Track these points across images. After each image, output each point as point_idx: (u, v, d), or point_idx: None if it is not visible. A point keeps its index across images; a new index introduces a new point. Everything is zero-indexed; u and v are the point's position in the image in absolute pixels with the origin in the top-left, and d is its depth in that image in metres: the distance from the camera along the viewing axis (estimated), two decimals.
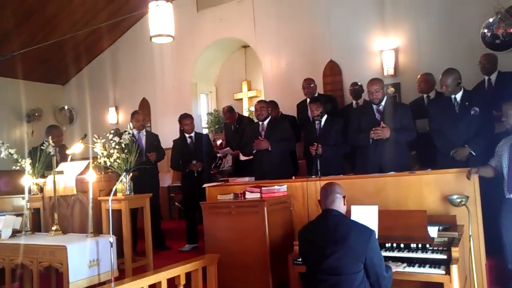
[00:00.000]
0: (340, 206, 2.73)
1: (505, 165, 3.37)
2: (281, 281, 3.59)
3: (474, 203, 3.40)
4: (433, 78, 5.28)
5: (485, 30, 5.98)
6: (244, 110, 9.03)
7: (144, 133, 5.85)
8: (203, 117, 9.36)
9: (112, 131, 4.38)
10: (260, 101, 5.37)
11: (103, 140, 4.29)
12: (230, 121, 7.09)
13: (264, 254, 3.67)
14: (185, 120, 5.85)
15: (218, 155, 6.96)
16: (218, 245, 3.90)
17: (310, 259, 2.72)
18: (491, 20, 5.88)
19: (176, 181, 8.12)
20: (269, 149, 4.94)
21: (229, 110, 7.06)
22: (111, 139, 4.22)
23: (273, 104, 6.06)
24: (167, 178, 8.16)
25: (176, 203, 7.50)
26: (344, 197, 2.76)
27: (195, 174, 5.62)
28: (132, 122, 5.68)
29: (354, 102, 6.09)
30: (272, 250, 3.68)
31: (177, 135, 6.34)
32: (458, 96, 4.11)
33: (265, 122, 5.13)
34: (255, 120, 5.58)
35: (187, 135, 5.84)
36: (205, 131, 9.00)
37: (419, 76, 5.44)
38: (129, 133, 4.32)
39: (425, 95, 5.34)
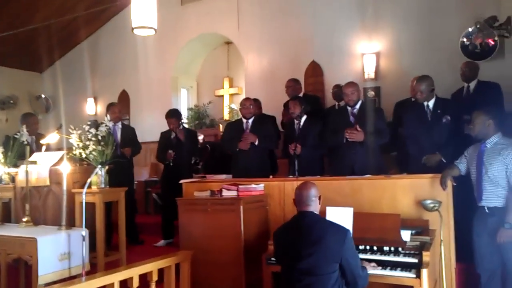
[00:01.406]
0: (315, 206, 2.74)
1: (474, 174, 3.43)
2: (254, 280, 3.58)
3: (447, 208, 3.46)
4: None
5: (464, 39, 6.09)
6: (225, 106, 8.99)
7: (120, 126, 5.73)
8: (183, 112, 9.25)
9: (89, 122, 4.29)
10: (247, 99, 5.32)
11: (79, 131, 4.21)
12: None
13: (239, 252, 3.66)
14: (168, 119, 5.75)
15: None
16: (193, 241, 3.88)
17: (285, 260, 2.72)
18: (470, 29, 5.99)
19: (154, 176, 8.07)
20: (256, 143, 4.92)
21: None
22: (88, 131, 4.14)
23: (257, 103, 6.04)
24: (144, 172, 8.08)
25: (154, 194, 7.43)
26: (319, 197, 2.78)
27: (171, 164, 5.56)
28: (108, 114, 5.60)
29: (336, 104, 6.13)
30: (246, 249, 3.67)
31: (156, 129, 6.27)
32: (431, 103, 4.18)
33: (250, 120, 5.10)
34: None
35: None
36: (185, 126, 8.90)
37: (411, 81, 5.33)
38: (106, 125, 4.24)
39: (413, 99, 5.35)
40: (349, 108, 4.50)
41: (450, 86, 5.17)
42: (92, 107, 9.54)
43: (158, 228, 5.81)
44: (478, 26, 5.24)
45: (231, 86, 9.20)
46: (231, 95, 9.16)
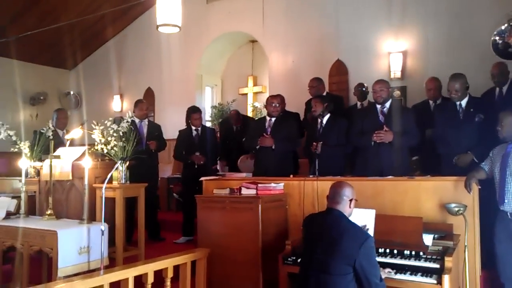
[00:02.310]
0: (345, 207, 2.71)
1: (497, 175, 3.30)
2: (271, 280, 3.54)
3: (472, 213, 3.34)
4: (441, 83, 5.19)
5: (497, 38, 5.87)
6: (249, 105, 8.97)
7: (146, 122, 5.85)
8: (207, 110, 9.31)
9: (110, 119, 4.33)
10: (274, 96, 5.17)
11: (101, 127, 4.26)
12: (234, 123, 7.06)
13: (256, 251, 3.63)
14: (194, 114, 5.83)
15: None
16: (210, 239, 3.87)
17: (306, 248, 2.76)
18: (503, 27, 5.77)
19: (176, 173, 8.11)
20: (273, 147, 4.86)
21: (237, 113, 7.17)
22: (109, 126, 4.18)
23: (281, 99, 5.97)
24: (167, 169, 8.14)
25: (174, 194, 7.47)
26: (351, 200, 2.74)
27: (196, 166, 5.58)
28: (135, 111, 5.75)
29: (358, 103, 6.02)
30: (264, 248, 3.64)
31: (180, 126, 6.31)
32: (464, 102, 4.06)
33: (273, 119, 5.03)
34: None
35: (193, 128, 5.81)
36: (208, 124, 8.95)
37: (428, 82, 5.28)
38: (127, 121, 4.28)
39: (431, 101, 5.24)
40: (378, 107, 4.39)
41: (480, 86, 4.97)
42: (118, 104, 9.69)
43: (179, 225, 5.84)
44: (511, 23, 5.03)
45: (255, 84, 9.18)
46: (255, 93, 9.14)
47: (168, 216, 6.97)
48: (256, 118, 7.27)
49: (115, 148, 4.18)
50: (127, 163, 4.27)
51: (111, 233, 3.96)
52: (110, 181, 4.14)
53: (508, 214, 3.21)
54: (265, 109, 8.53)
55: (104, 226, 3.46)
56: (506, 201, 3.20)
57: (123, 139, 4.23)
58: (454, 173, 3.63)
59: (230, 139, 6.95)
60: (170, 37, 8.30)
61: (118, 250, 4.02)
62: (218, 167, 6.62)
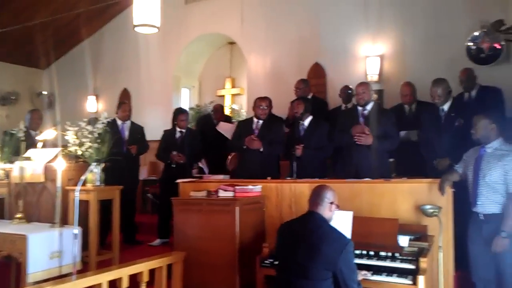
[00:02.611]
0: (325, 210, 2.70)
1: (470, 178, 3.36)
2: (248, 282, 3.52)
3: (446, 214, 3.39)
4: (415, 88, 5.26)
5: (470, 43, 6.00)
6: (226, 107, 8.93)
7: (129, 124, 5.73)
8: None
9: (85, 119, 4.24)
10: (263, 99, 5.07)
11: (75, 128, 4.16)
12: (216, 119, 6.96)
13: (233, 254, 3.59)
14: (181, 115, 5.77)
15: None
16: (187, 242, 3.81)
17: (282, 256, 2.71)
18: (476, 33, 5.90)
19: (152, 175, 8.01)
20: (261, 150, 4.80)
21: (222, 107, 7.07)
22: (84, 127, 4.09)
23: (269, 101, 5.94)
24: (142, 171, 8.00)
25: (148, 195, 7.37)
26: (331, 203, 2.72)
27: (174, 167, 5.51)
28: (118, 112, 5.70)
29: (343, 105, 6.05)
30: (241, 251, 3.60)
31: (157, 128, 6.24)
32: (446, 106, 4.12)
33: (260, 121, 4.97)
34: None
35: (178, 129, 5.75)
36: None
37: (402, 87, 5.31)
38: (103, 122, 4.19)
39: (406, 105, 5.30)
40: (359, 109, 4.42)
41: (454, 91, 5.05)
42: (93, 105, 9.50)
43: (154, 228, 5.75)
44: (484, 30, 5.14)
45: (233, 86, 9.15)
46: (233, 95, 9.10)
47: (143, 218, 6.86)
48: (238, 120, 7.22)
49: (89, 150, 4.09)
50: (102, 165, 4.18)
51: (84, 236, 3.87)
52: (84, 183, 4.06)
53: (481, 215, 3.27)
54: (242, 110, 8.58)
55: (77, 230, 3.37)
56: (479, 203, 3.26)
57: (98, 140, 4.13)
58: (438, 176, 3.64)
59: (211, 135, 6.80)
60: (148, 38, 8.19)
61: (91, 254, 3.93)
62: (202, 165, 6.52)
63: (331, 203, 2.71)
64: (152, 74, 8.83)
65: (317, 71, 7.10)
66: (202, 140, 6.32)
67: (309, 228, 2.62)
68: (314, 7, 7.20)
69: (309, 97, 5.82)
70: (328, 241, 2.51)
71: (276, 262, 2.89)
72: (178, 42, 8.57)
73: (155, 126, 7.17)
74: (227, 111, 8.78)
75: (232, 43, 8.79)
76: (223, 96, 9.18)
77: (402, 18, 6.53)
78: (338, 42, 6.96)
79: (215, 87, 9.32)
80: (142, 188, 7.64)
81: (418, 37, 6.40)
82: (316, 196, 2.73)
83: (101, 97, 9.58)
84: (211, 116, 7.12)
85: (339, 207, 2.80)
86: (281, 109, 6.28)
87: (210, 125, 6.98)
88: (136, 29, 4.59)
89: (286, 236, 2.74)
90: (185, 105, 9.24)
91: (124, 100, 6.09)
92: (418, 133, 4.57)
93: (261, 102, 4.97)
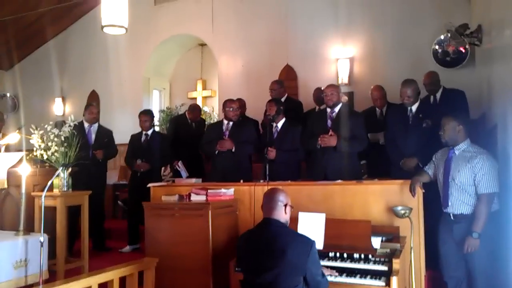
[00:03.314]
0: (281, 214, 2.62)
1: (440, 179, 3.42)
2: (222, 287, 3.47)
3: (417, 215, 3.44)
4: (385, 91, 5.33)
5: (436, 47, 6.15)
6: None
7: (96, 127, 5.57)
8: (155, 114, 9.05)
9: (51, 123, 4.08)
10: (233, 100, 5.03)
11: (41, 132, 4.01)
12: (192, 118, 6.81)
13: (206, 259, 3.55)
14: (142, 116, 5.66)
15: None
16: (159, 248, 3.74)
17: (247, 270, 2.61)
18: (442, 37, 6.05)
19: (122, 179, 7.84)
20: (233, 150, 4.75)
21: (196, 106, 6.90)
22: (50, 131, 3.95)
23: (241, 102, 5.88)
24: (113, 176, 7.83)
25: (119, 202, 7.20)
26: (286, 205, 2.65)
27: (138, 174, 5.41)
28: (85, 114, 5.53)
29: (316, 107, 6.07)
30: (214, 255, 3.56)
31: (126, 131, 6.11)
32: (414, 107, 4.18)
33: (230, 123, 4.91)
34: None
35: (143, 132, 5.63)
36: (156, 129, 8.71)
37: (373, 91, 5.37)
38: (70, 126, 4.06)
39: (378, 108, 5.37)
40: (328, 111, 4.44)
41: (423, 93, 5.17)
42: (60, 108, 9.22)
43: (125, 234, 5.63)
44: (449, 34, 5.27)
45: (204, 88, 9.07)
46: (204, 97, 9.03)
47: (114, 224, 6.71)
48: (208, 122, 7.13)
49: (56, 154, 3.95)
50: (70, 169, 4.05)
51: (51, 244, 3.74)
52: (51, 189, 3.92)
53: (451, 216, 3.33)
54: (214, 113, 8.51)
55: (43, 237, 3.24)
56: (449, 203, 3.32)
57: (65, 144, 4.00)
58: (403, 176, 3.72)
59: (185, 136, 6.63)
60: (116, 39, 8.00)
61: (59, 263, 3.80)
62: (180, 168, 6.37)
63: (285, 205, 2.64)
64: (121, 75, 8.64)
65: (288, 73, 7.12)
66: (176, 140, 6.21)
67: (269, 237, 2.51)
68: (285, 9, 7.22)
69: (284, 98, 5.81)
70: (293, 245, 2.44)
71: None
72: (147, 43, 8.43)
73: (124, 129, 7.03)
74: None
75: (203, 44, 8.72)
76: (194, 98, 9.08)
77: (371, 21, 6.63)
78: (309, 44, 7.00)
79: (186, 89, 9.21)
80: (113, 193, 7.47)
81: (387, 40, 6.52)
82: (269, 201, 2.64)
83: (68, 99, 9.32)
84: (185, 116, 6.98)
85: (293, 208, 2.73)
86: (252, 111, 6.28)
87: (184, 125, 6.83)
88: (104, 29, 4.50)
89: (246, 249, 2.62)
90: (156, 108, 9.11)
91: (92, 102, 5.90)
92: (385, 134, 4.62)
93: (231, 104, 4.94)
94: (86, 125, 5.46)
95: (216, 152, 4.77)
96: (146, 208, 3.92)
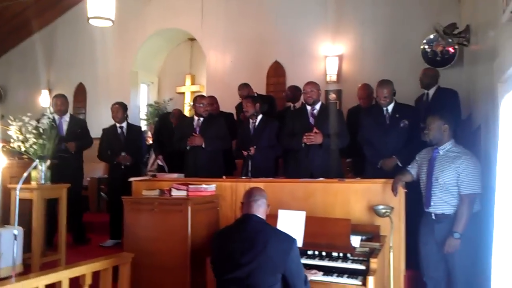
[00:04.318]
0: (262, 212, 2.60)
1: (424, 179, 3.40)
2: (200, 284, 3.42)
3: (398, 214, 3.41)
4: (372, 90, 5.30)
5: (426, 46, 6.13)
6: (186, 104, 8.77)
7: (67, 119, 5.39)
8: (142, 108, 8.99)
9: (29, 114, 3.97)
10: (203, 97, 5.12)
11: (19, 123, 3.92)
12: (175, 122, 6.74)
13: (185, 255, 3.48)
14: (112, 107, 5.53)
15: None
16: (137, 243, 3.66)
17: (221, 268, 2.53)
18: (431, 36, 6.04)
19: (107, 172, 7.74)
20: (203, 146, 4.76)
21: (180, 112, 6.84)
22: (28, 122, 3.86)
23: (212, 99, 5.84)
24: (97, 169, 7.73)
25: (103, 194, 7.12)
26: (265, 204, 2.64)
27: (122, 167, 5.33)
28: (52, 107, 5.34)
29: (291, 105, 6.03)
30: (193, 252, 3.50)
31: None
32: (390, 107, 4.15)
33: (201, 119, 4.93)
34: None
35: (118, 125, 5.53)
36: (143, 123, 8.65)
37: (359, 90, 5.33)
38: (48, 117, 3.98)
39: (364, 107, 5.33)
40: (308, 109, 4.40)
41: (411, 93, 5.16)
42: (46, 100, 9.10)
43: (108, 227, 5.55)
44: (437, 33, 5.24)
45: (193, 83, 8.99)
46: (193, 92, 8.93)
47: (98, 217, 6.63)
48: None
49: (34, 146, 3.86)
50: (48, 162, 3.97)
51: (28, 237, 3.66)
52: (29, 181, 3.84)
53: (433, 215, 3.31)
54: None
55: (17, 230, 3.16)
56: (432, 203, 3.29)
57: (44, 136, 3.91)
58: (379, 175, 3.71)
59: (167, 137, 6.58)
60: (104, 31, 7.90)
61: (34, 256, 3.71)
62: (161, 163, 6.30)
63: (265, 204, 2.64)
64: (109, 69, 8.56)
65: (276, 69, 7.10)
66: (158, 138, 6.16)
67: (249, 233, 2.47)
68: (274, 6, 7.19)
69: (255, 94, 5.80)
70: (273, 242, 2.40)
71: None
72: (136, 37, 8.35)
73: (111, 122, 6.92)
74: (186, 109, 8.62)
75: (192, 39, 8.64)
76: (183, 93, 9.01)
77: (360, 20, 6.61)
78: (298, 41, 6.98)
79: (174, 83, 9.13)
80: (97, 186, 7.38)
81: (376, 38, 6.50)
82: (249, 198, 2.61)
83: (55, 92, 9.11)
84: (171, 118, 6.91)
85: (270, 206, 2.71)
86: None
87: (167, 127, 6.76)
88: (90, 21, 4.44)
89: (224, 245, 2.55)
90: (143, 102, 9.03)
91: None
92: (361, 134, 4.58)
93: (201, 100, 4.97)
94: (56, 117, 5.29)
95: (188, 147, 4.77)
96: (126, 203, 3.84)
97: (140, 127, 6.19)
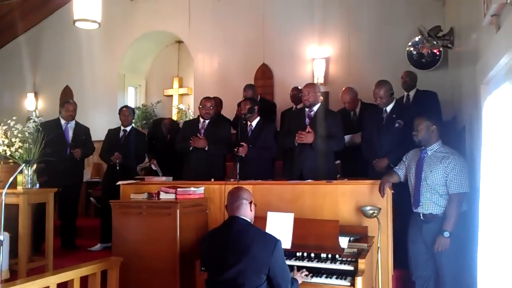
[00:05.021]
0: (246, 212, 2.61)
1: (412, 180, 3.43)
2: (190, 286, 3.42)
3: (386, 215, 3.44)
4: (356, 92, 5.32)
5: (411, 49, 6.21)
6: (173, 107, 8.75)
7: (73, 125, 5.42)
8: None
9: (14, 118, 3.94)
10: (208, 99, 4.97)
11: (4, 127, 3.88)
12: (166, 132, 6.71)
13: (174, 258, 3.48)
14: (122, 111, 5.56)
15: None
16: (126, 246, 3.66)
17: (210, 268, 2.57)
18: (417, 39, 6.11)
19: (95, 176, 7.69)
20: (206, 148, 4.70)
21: (171, 123, 6.63)
22: (13, 126, 3.82)
23: (216, 102, 5.81)
24: (86, 173, 7.66)
25: (91, 199, 7.06)
26: (251, 202, 2.65)
27: (117, 168, 5.31)
28: (62, 111, 5.39)
29: (294, 106, 6.05)
30: (182, 255, 3.50)
31: (100, 127, 6.00)
32: (389, 108, 4.16)
33: (206, 121, 4.86)
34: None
35: (122, 128, 5.54)
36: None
37: (342, 94, 5.29)
38: (34, 121, 3.94)
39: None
40: (306, 110, 4.42)
41: (397, 95, 5.20)
42: (32, 103, 9.00)
43: (97, 232, 5.50)
44: (422, 36, 5.31)
45: (180, 86, 8.96)
46: (181, 95, 8.92)
47: (85, 222, 6.56)
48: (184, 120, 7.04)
49: (20, 150, 3.83)
50: (34, 166, 3.93)
51: (15, 243, 3.62)
52: (14, 186, 3.80)
53: (421, 215, 3.35)
54: (190, 111, 8.42)
55: (3, 236, 3.12)
56: (420, 204, 3.33)
57: (30, 140, 3.88)
58: (379, 176, 3.68)
59: (160, 143, 6.55)
60: (91, 34, 7.84)
61: (21, 262, 3.68)
62: (155, 167, 6.28)
63: (250, 202, 2.65)
64: (96, 72, 8.47)
65: (264, 72, 7.12)
66: (150, 144, 6.15)
67: (235, 234, 2.51)
68: (261, 8, 7.22)
69: (258, 99, 5.80)
70: (257, 243, 2.43)
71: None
72: (123, 40, 8.31)
73: (99, 126, 6.88)
74: (174, 111, 8.59)
75: (179, 42, 8.63)
76: (171, 95, 8.98)
77: (347, 22, 6.67)
78: (285, 43, 7.01)
79: (162, 86, 9.09)
80: (86, 190, 7.32)
81: (363, 41, 6.57)
82: (234, 199, 2.63)
83: (41, 95, 9.11)
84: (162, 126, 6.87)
85: (256, 206, 2.72)
86: (227, 109, 6.24)
87: (159, 134, 6.71)
88: (76, 24, 4.40)
89: (211, 247, 2.60)
90: (131, 104, 8.94)
91: (68, 99, 5.71)
92: (362, 134, 4.63)
93: (206, 102, 4.88)
94: (62, 122, 5.32)
95: (191, 148, 4.72)
96: (114, 206, 3.83)
97: (144, 134, 6.12)
